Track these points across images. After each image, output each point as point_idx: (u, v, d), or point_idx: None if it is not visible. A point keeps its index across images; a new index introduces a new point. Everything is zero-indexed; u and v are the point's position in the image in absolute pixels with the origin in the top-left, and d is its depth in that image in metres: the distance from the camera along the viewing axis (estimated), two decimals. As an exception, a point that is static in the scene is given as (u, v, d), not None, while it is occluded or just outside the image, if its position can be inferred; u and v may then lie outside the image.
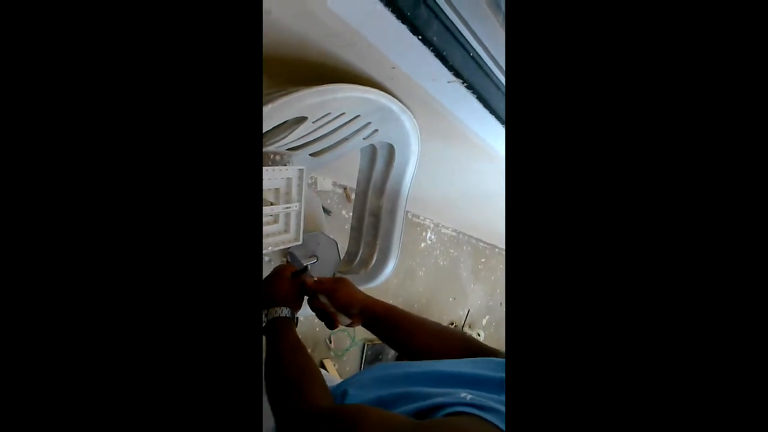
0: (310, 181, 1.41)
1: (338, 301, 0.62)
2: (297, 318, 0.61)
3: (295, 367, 0.49)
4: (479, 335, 2.35)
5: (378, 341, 1.86)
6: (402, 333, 0.57)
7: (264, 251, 0.76)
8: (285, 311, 0.58)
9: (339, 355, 1.71)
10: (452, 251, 2.38)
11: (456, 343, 0.54)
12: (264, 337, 0.56)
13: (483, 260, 2.65)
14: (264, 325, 0.58)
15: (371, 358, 1.83)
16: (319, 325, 1.61)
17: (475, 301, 2.59)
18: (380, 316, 0.60)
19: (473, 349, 0.53)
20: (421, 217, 2.12)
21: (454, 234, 2.39)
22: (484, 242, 2.63)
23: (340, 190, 1.63)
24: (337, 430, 0.36)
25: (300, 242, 0.81)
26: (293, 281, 0.65)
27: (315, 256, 0.86)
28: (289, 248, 0.83)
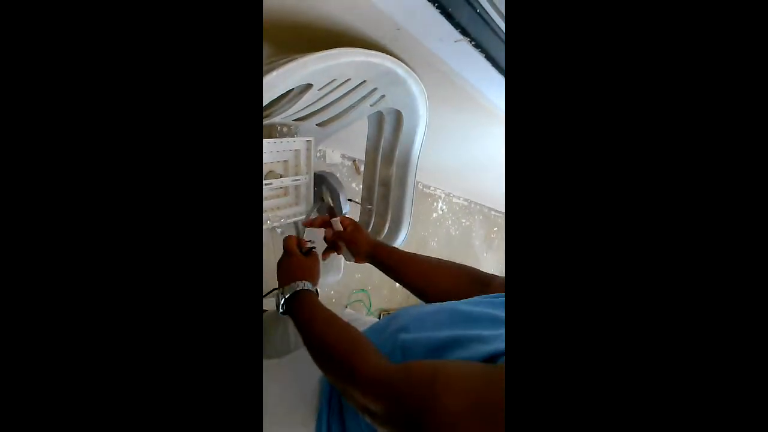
0: (318, 155, 1.41)
1: (351, 245, 0.71)
2: (317, 289, 0.60)
3: (333, 339, 0.47)
4: (493, 303, 2.36)
5: (393, 310, 1.89)
6: (402, 275, 0.65)
7: (276, 224, 0.76)
8: (303, 284, 0.58)
9: (355, 325, 1.74)
10: (464, 221, 2.37)
11: (460, 278, 0.62)
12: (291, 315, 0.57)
13: (495, 229, 2.64)
14: (283, 304, 0.57)
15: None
16: (335, 296, 1.63)
17: (489, 270, 2.59)
18: (384, 262, 0.68)
19: (475, 278, 0.62)
20: (431, 188, 2.11)
21: (465, 203, 2.37)
22: (497, 211, 2.62)
23: (349, 163, 1.62)
24: (416, 388, 0.35)
25: (311, 213, 0.81)
26: (305, 255, 0.66)
27: (327, 203, 0.90)
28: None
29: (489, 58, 0.68)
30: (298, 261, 0.63)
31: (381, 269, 0.68)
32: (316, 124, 0.79)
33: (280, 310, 0.57)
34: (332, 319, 0.50)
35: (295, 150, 0.75)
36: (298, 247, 0.66)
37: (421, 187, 2.01)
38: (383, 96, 0.74)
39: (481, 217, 2.51)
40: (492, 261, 2.62)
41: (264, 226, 0.76)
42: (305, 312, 0.53)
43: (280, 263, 0.64)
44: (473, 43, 0.63)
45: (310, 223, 0.76)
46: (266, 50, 0.66)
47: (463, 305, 0.47)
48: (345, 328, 0.48)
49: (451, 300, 0.54)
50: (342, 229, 0.73)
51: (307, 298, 0.56)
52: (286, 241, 0.66)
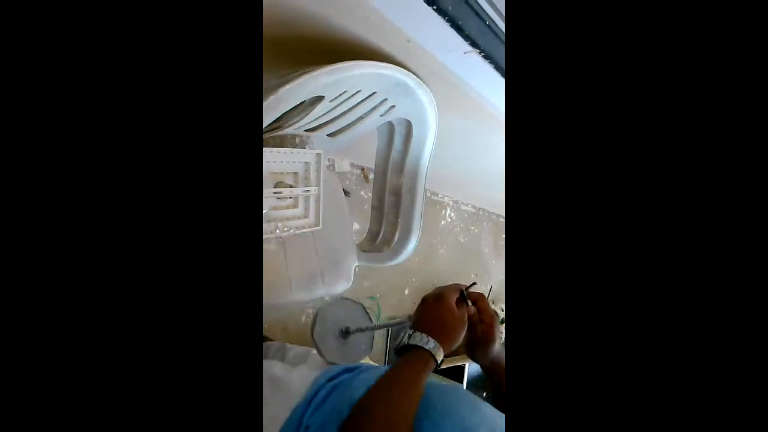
0: (328, 163, 1.42)
1: (478, 344, 0.58)
2: (442, 359, 0.49)
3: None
4: (502, 310, 2.35)
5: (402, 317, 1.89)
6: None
7: (284, 233, 0.77)
8: (430, 344, 0.48)
9: (364, 333, 1.74)
10: (473, 228, 2.36)
11: None
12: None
13: (503, 236, 2.63)
14: (401, 344, 0.50)
15: (396, 334, 1.87)
16: (343, 305, 1.64)
17: (498, 277, 2.58)
18: (492, 375, 0.59)
19: None
20: (439, 195, 2.11)
21: (473, 211, 2.37)
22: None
23: (358, 171, 1.63)
24: None
25: (320, 227, 0.81)
26: (459, 312, 0.54)
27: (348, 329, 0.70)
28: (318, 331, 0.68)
29: (498, 68, 0.68)
30: (445, 312, 0.53)
31: (484, 372, 0.60)
32: (327, 135, 0.79)
33: (395, 347, 0.50)
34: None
35: (306, 162, 0.76)
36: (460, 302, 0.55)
37: (429, 195, 2.01)
38: (393, 106, 0.74)
39: (489, 224, 2.50)
40: (502, 268, 2.61)
41: (272, 235, 0.76)
42: (405, 378, 0.45)
43: (428, 301, 0.55)
44: (482, 54, 0.64)
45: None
46: (278, 64, 0.67)
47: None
48: None
49: None
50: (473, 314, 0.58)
51: (422, 363, 0.47)
52: (450, 288, 0.56)
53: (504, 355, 0.58)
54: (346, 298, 0.72)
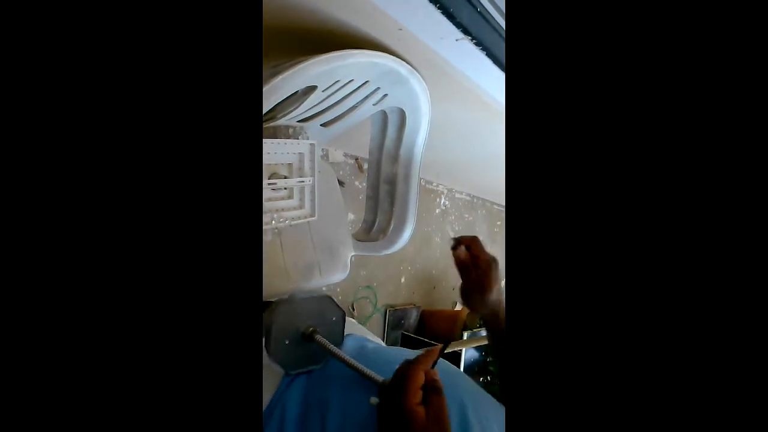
0: (322, 154, 1.41)
1: (476, 292, 0.54)
2: None
3: None
4: (498, 297, 2.37)
5: (399, 306, 1.90)
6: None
7: (280, 224, 0.77)
8: None
9: (362, 321, 1.76)
10: (467, 216, 2.38)
11: None
12: None
13: (498, 223, 2.65)
14: None
15: (394, 323, 1.88)
16: (341, 294, 1.65)
17: (493, 264, 2.60)
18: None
19: None
20: (434, 184, 2.11)
21: (468, 198, 2.38)
22: (499, 205, 2.62)
23: (352, 161, 1.63)
24: None
25: (315, 217, 0.81)
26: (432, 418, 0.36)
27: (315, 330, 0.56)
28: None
29: (490, 55, 0.68)
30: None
31: (483, 321, 0.54)
32: (321, 125, 0.79)
33: None
34: None
35: (299, 153, 0.76)
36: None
37: (423, 183, 2.01)
38: (386, 95, 0.74)
39: (484, 212, 2.51)
40: (495, 255, 2.63)
41: (268, 226, 0.77)
42: None
43: (391, 413, 0.37)
44: (474, 41, 0.64)
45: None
46: (271, 54, 0.67)
47: None
48: None
49: None
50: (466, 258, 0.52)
51: None
52: (413, 374, 0.38)
53: (504, 299, 0.52)
54: (322, 294, 0.59)
